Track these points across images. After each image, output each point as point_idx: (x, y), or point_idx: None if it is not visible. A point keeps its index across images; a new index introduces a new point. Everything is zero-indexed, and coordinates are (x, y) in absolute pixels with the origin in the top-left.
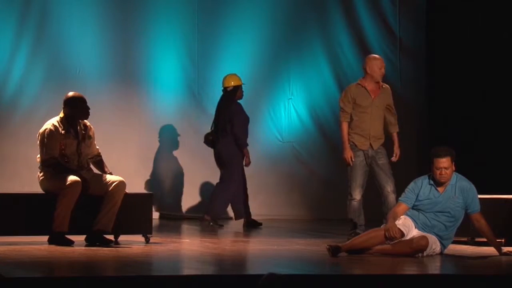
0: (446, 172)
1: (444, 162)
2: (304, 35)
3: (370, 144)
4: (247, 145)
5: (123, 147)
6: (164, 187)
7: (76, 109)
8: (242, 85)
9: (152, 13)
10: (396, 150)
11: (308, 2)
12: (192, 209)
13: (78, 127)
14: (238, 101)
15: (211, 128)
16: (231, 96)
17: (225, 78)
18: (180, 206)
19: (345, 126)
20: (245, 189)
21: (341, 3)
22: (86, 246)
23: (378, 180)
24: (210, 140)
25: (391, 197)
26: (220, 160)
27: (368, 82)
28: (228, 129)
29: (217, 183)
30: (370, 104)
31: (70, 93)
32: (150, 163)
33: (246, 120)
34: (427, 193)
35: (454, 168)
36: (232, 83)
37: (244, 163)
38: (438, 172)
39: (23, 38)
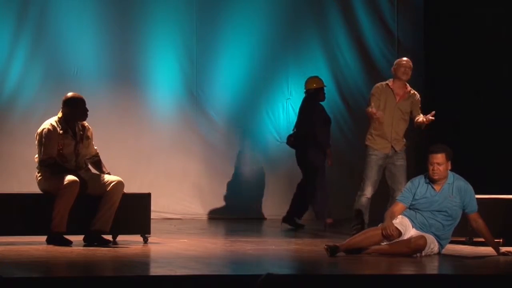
0: (438, 168)
1: (438, 158)
2: (302, 35)
3: (392, 147)
4: (329, 145)
5: (121, 147)
6: (162, 188)
7: (75, 110)
8: (324, 87)
9: (150, 13)
10: (424, 117)
11: (306, 2)
12: (189, 210)
13: (76, 128)
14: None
15: (293, 130)
16: (313, 98)
17: (307, 80)
18: (177, 207)
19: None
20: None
21: (339, 3)
22: (84, 246)
23: (392, 181)
24: (291, 141)
25: None
26: (301, 162)
27: (394, 85)
28: (310, 131)
29: (299, 185)
30: (393, 107)
31: (70, 94)
32: (148, 163)
33: (328, 121)
34: (424, 191)
35: (449, 166)
36: (314, 85)
37: (327, 164)
38: (431, 168)
39: (21, 38)
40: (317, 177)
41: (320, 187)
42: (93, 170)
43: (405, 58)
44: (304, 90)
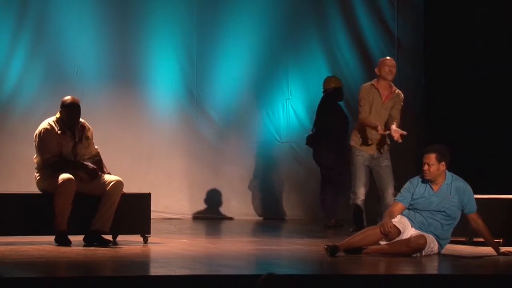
0: (428, 168)
1: (428, 158)
2: (302, 35)
3: (377, 148)
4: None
5: (121, 147)
6: (162, 188)
7: (68, 113)
8: (342, 87)
9: (150, 12)
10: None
11: (306, 2)
12: (189, 210)
13: (76, 128)
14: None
15: (311, 130)
16: (331, 98)
17: (325, 80)
18: (178, 207)
19: (365, 117)
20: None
21: (339, 3)
22: (84, 246)
23: (380, 182)
24: (310, 141)
25: (392, 200)
26: (318, 161)
27: (380, 85)
28: (328, 130)
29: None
30: (379, 107)
31: (67, 97)
32: (148, 163)
33: (346, 120)
34: (422, 191)
35: (443, 167)
36: (332, 85)
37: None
38: (422, 167)
39: (21, 38)
40: (332, 177)
41: (333, 187)
42: None
43: (388, 57)
44: (322, 90)
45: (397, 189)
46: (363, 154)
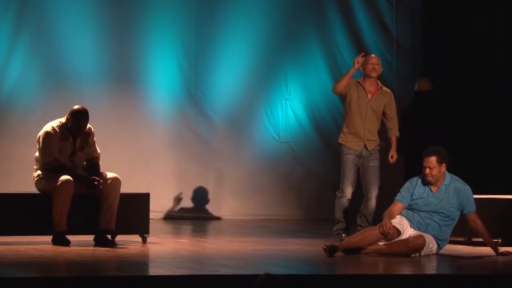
0: (430, 172)
1: (428, 162)
2: (301, 35)
3: (365, 145)
4: None
5: (119, 148)
6: (161, 188)
7: (72, 121)
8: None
9: (149, 13)
10: (392, 153)
11: (305, 2)
12: (188, 210)
13: (78, 137)
14: None
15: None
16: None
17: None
18: (177, 207)
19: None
20: None
21: (338, 3)
22: (94, 246)
23: (365, 181)
24: None
25: (373, 201)
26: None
27: (365, 82)
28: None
29: None
30: (365, 104)
31: (77, 106)
32: (147, 164)
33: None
34: (421, 192)
35: (443, 169)
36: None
37: None
38: (423, 170)
39: (20, 38)
40: None
41: None
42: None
43: (373, 55)
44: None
45: (397, 191)
46: (351, 153)
